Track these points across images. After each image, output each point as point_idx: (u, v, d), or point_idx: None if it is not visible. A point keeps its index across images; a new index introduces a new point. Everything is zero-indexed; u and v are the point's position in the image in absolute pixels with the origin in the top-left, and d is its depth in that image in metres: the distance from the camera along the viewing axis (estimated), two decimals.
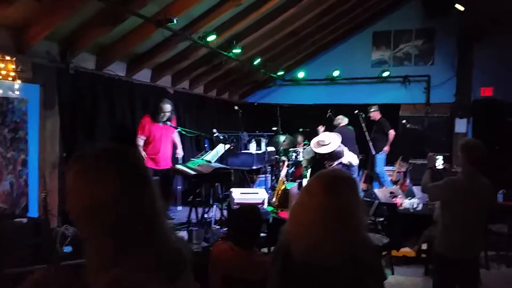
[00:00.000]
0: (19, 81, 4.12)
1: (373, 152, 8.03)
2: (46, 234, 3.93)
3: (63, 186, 5.05)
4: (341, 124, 8.00)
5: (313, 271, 1.64)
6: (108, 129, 5.74)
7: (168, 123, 5.70)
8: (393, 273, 4.62)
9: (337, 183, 1.69)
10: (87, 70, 5.39)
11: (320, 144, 5.20)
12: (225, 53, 6.80)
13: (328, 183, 1.68)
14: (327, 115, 8.65)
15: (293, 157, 8.45)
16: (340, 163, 5.45)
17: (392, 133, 8.10)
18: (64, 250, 4.06)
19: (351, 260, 1.62)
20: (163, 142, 5.87)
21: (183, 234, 3.56)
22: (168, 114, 5.73)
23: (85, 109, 5.38)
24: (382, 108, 8.92)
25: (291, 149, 8.51)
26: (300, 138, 8.97)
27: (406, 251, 5.03)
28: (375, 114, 8.32)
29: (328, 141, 5.08)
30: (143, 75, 6.59)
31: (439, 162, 3.63)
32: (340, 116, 8.13)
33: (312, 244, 1.61)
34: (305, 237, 1.63)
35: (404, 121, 8.24)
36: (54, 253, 3.89)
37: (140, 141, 5.70)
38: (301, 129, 9.15)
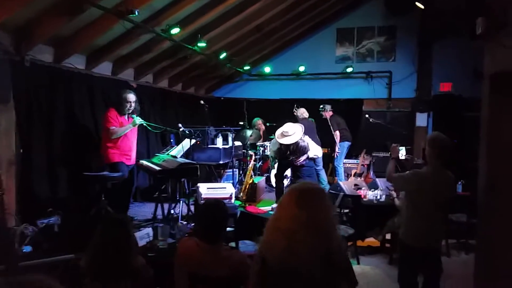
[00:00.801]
0: None
1: (338, 146, 8.18)
2: (2, 234, 3.75)
3: (20, 184, 4.82)
4: (303, 116, 8.12)
5: (287, 275, 1.77)
6: (66, 124, 5.52)
7: (134, 116, 5.43)
8: (358, 263, 4.71)
9: (306, 194, 1.88)
10: (44, 63, 5.16)
11: (284, 135, 5.25)
12: (190, 47, 6.69)
13: (299, 195, 1.87)
14: (294, 109, 8.71)
15: (260, 151, 8.48)
16: (307, 157, 5.50)
17: (337, 134, 8.27)
18: (23, 250, 3.89)
19: (324, 264, 1.75)
20: (132, 137, 5.57)
21: (148, 230, 3.47)
22: (133, 105, 5.42)
23: (42, 103, 5.16)
24: (346, 103, 9.11)
25: (258, 143, 8.53)
26: (259, 122, 9.02)
27: (371, 241, 5.13)
28: (327, 114, 8.50)
29: (291, 132, 5.18)
30: (104, 68, 6.37)
31: (402, 153, 3.71)
32: (303, 109, 8.23)
33: (285, 250, 1.76)
34: (279, 244, 1.79)
35: (367, 116, 8.42)
36: (12, 253, 3.70)
37: (116, 130, 5.28)
38: (268, 124, 9.20)
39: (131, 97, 5.41)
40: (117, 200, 5.39)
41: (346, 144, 8.36)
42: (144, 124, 5.59)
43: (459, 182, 5.67)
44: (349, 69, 9.43)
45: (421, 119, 8.96)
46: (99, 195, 5.21)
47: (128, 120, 5.46)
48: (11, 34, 4.62)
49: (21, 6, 4.02)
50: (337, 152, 8.27)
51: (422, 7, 7.75)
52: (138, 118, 5.43)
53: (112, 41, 5.84)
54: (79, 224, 4.37)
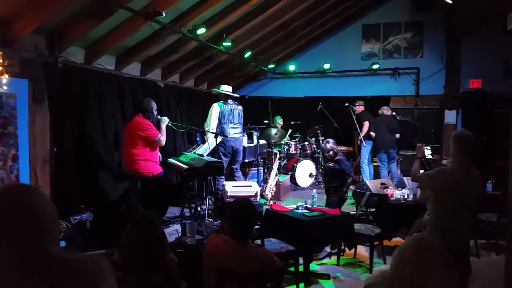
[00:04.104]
0: (6, 76, 4.06)
1: (364, 144, 8.09)
2: None
3: (54, 181, 5.01)
4: (383, 113, 8.10)
5: None
6: (97, 124, 5.69)
7: (163, 118, 5.43)
8: (385, 263, 4.68)
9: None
10: (76, 64, 5.34)
11: None
12: (215, 46, 6.77)
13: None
14: (318, 107, 8.69)
15: (285, 149, 8.49)
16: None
17: (366, 124, 8.19)
18: None
19: None
20: None
21: (177, 227, 3.56)
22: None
23: (74, 103, 5.33)
24: (372, 100, 9.00)
25: (283, 141, 8.55)
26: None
27: (398, 240, 5.08)
28: (358, 108, 8.46)
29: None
30: (133, 69, 6.54)
31: (428, 152, 3.65)
32: (385, 107, 8.24)
33: None
34: None
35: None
36: None
37: (163, 137, 5.20)
38: (292, 122, 9.20)
39: (155, 104, 5.34)
40: (152, 201, 5.36)
41: (369, 143, 8.23)
42: (170, 124, 5.64)
43: (489, 181, 5.54)
44: (376, 66, 9.31)
45: (450, 117, 8.75)
46: (130, 193, 5.35)
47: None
48: (45, 37, 4.81)
49: (54, 11, 4.17)
50: (362, 143, 8.12)
51: (450, 1, 7.57)
52: (165, 118, 5.41)
53: (140, 42, 5.99)
54: (110, 220, 4.50)
